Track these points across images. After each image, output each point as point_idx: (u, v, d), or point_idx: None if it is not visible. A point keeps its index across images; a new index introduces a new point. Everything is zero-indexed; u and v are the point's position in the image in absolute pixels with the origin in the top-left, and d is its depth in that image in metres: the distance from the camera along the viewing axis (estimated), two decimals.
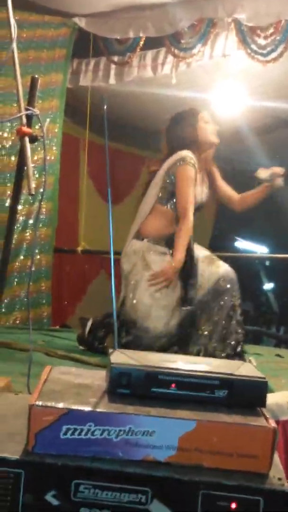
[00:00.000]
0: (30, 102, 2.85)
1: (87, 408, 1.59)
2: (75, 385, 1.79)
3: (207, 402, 1.71)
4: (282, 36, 5.19)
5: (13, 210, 2.96)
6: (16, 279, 5.74)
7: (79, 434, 1.57)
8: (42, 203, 5.47)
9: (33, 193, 2.65)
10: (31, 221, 5.86)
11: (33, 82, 2.91)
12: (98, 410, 1.60)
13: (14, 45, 2.75)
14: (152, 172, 4.44)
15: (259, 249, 11.63)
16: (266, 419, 1.68)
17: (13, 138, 5.65)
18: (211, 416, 1.64)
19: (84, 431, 1.57)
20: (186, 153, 4.21)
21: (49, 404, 1.59)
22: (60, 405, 1.59)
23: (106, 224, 2.15)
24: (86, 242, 6.73)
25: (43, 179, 5.10)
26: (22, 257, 5.82)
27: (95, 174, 7.36)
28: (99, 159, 6.91)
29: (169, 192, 4.25)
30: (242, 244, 11.98)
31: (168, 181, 4.25)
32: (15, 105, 3.15)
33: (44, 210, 5.91)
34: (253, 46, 5.30)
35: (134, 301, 4.18)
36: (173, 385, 1.72)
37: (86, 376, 1.90)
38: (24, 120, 2.75)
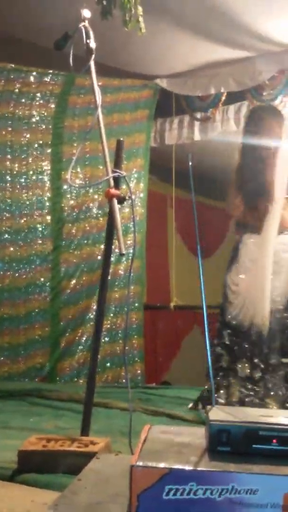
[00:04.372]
0: (117, 164, 2.90)
1: (189, 468, 1.57)
2: (175, 444, 1.77)
3: None
4: None
5: (105, 269, 3.00)
6: (106, 338, 5.78)
7: (182, 494, 1.55)
8: (131, 261, 5.53)
9: (124, 252, 2.69)
10: (117, 280, 5.91)
11: (119, 145, 2.97)
12: (199, 469, 1.57)
13: (99, 111, 2.84)
14: None
15: None
16: None
17: (100, 199, 5.77)
18: None
19: (186, 491, 1.55)
20: None
21: (150, 464, 1.57)
22: (162, 465, 1.57)
23: (197, 279, 2.15)
24: (177, 298, 6.74)
25: (130, 238, 5.18)
26: (111, 316, 5.87)
27: (183, 229, 7.41)
28: (186, 214, 6.97)
29: None
30: None
31: None
32: (102, 167, 3.22)
33: (132, 268, 5.98)
34: None
35: None
36: (274, 440, 1.68)
37: (185, 434, 1.87)
38: (112, 182, 2.81)
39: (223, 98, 5.91)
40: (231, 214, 4.51)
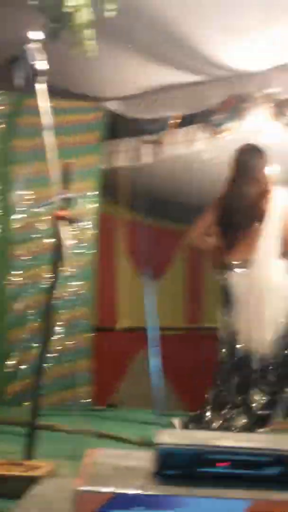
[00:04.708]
0: (65, 186, 2.90)
1: (134, 492, 1.54)
2: (121, 467, 1.74)
3: (258, 480, 1.65)
4: None
5: (51, 291, 2.97)
6: (54, 360, 5.72)
7: None
8: (79, 283, 5.50)
9: (70, 274, 2.67)
10: (66, 303, 5.86)
11: (68, 167, 2.97)
12: (145, 493, 1.55)
13: (48, 132, 2.83)
14: None
15: None
16: None
17: (48, 220, 5.73)
18: (263, 495, 1.57)
19: None
20: None
21: (95, 489, 1.54)
22: (106, 489, 1.54)
23: (145, 300, 2.15)
24: (126, 319, 6.72)
25: (81, 260, 5.16)
26: (59, 337, 5.81)
27: (132, 251, 7.40)
28: (135, 236, 6.98)
29: None
30: None
31: None
32: (50, 188, 3.22)
33: (81, 289, 5.94)
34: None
35: None
36: (221, 464, 1.66)
37: (131, 458, 1.85)
38: (60, 203, 2.80)
39: (173, 121, 5.94)
40: (198, 246, 4.61)
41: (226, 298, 4.39)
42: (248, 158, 4.53)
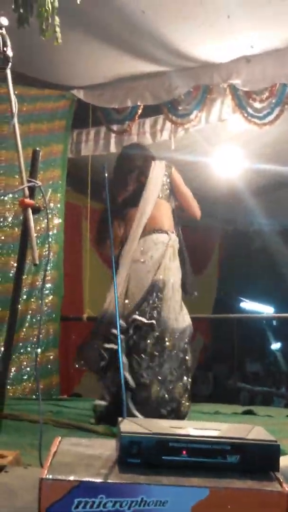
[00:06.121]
0: (32, 174, 2.89)
1: (98, 480, 1.56)
2: (85, 456, 1.76)
3: (219, 468, 1.68)
4: (278, 99, 5.30)
5: (18, 280, 2.96)
6: (22, 349, 5.70)
7: (91, 507, 1.54)
8: (47, 272, 5.47)
9: (37, 262, 2.67)
10: (36, 291, 5.84)
11: (35, 154, 2.96)
12: (109, 481, 1.57)
13: (15, 120, 2.81)
14: None
15: (265, 309, 11.57)
16: (280, 483, 1.65)
17: (15, 209, 5.70)
18: (224, 483, 1.61)
19: (96, 503, 1.54)
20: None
21: (59, 477, 1.56)
22: (71, 477, 1.56)
23: (110, 290, 2.16)
24: (91, 309, 6.71)
25: (47, 249, 5.15)
26: (26, 326, 5.78)
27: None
28: None
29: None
30: (247, 305, 11.93)
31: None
32: (17, 176, 3.20)
33: (49, 278, 5.92)
34: (249, 110, 5.40)
35: None
36: (184, 452, 1.69)
37: (96, 447, 1.87)
38: (27, 192, 2.78)
39: (140, 111, 5.95)
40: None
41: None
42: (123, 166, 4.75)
